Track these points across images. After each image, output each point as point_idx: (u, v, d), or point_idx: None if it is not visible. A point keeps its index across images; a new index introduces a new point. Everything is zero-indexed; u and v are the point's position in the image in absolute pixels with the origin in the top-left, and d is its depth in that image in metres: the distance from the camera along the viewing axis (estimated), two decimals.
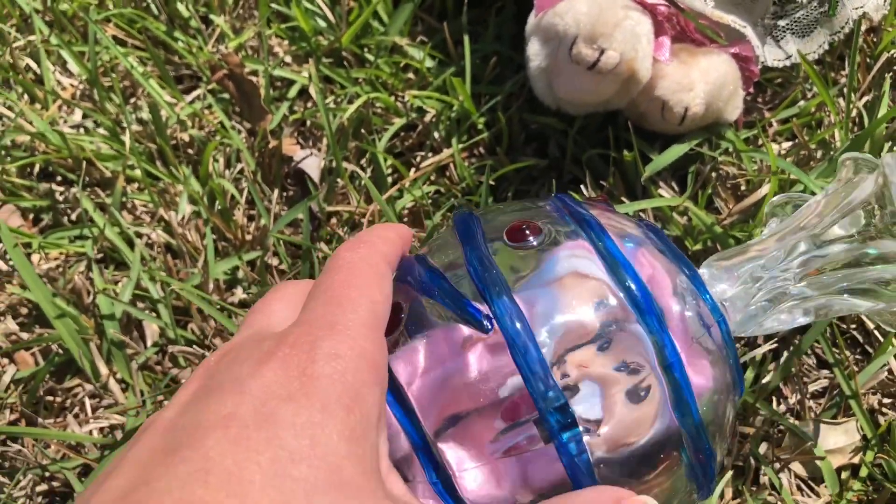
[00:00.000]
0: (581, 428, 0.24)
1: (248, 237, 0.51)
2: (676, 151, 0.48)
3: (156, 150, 0.55)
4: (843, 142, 0.48)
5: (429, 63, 0.56)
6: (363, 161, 0.54)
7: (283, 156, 0.53)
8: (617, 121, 0.51)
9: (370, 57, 0.57)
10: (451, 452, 0.25)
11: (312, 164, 0.52)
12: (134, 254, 0.50)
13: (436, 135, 0.53)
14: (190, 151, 0.56)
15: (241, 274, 0.50)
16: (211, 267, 0.49)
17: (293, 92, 0.57)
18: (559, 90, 0.46)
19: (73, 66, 0.60)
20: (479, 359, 0.25)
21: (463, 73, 0.53)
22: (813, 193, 0.46)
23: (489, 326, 0.25)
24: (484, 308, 0.25)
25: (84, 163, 0.54)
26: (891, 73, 0.52)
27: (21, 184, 0.55)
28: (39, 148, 0.57)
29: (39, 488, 0.45)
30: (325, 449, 0.20)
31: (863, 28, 0.54)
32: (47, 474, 0.45)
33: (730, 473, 0.41)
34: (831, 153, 0.48)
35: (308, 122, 0.56)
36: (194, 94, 0.59)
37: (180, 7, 0.61)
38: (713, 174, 0.49)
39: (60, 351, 0.48)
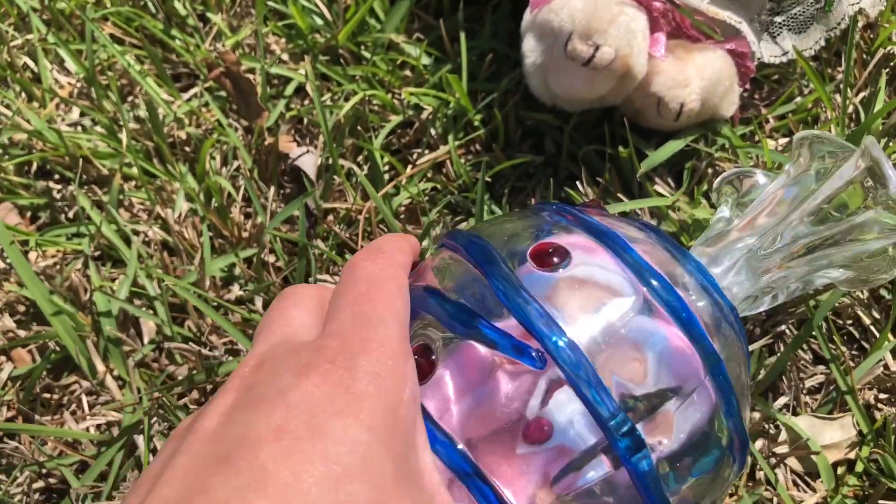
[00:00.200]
0: (648, 447, 0.24)
1: (245, 234, 0.51)
2: (672, 148, 0.48)
3: (153, 147, 0.55)
4: (840, 137, 0.48)
5: (425, 60, 0.56)
6: (360, 158, 0.54)
7: (280, 153, 0.53)
8: (613, 117, 0.51)
9: (367, 54, 0.57)
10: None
11: (309, 161, 0.52)
12: (131, 251, 0.50)
13: (432, 132, 0.53)
14: (187, 149, 0.56)
15: (237, 271, 0.50)
16: (207, 264, 0.49)
17: (290, 89, 0.57)
18: (555, 86, 0.46)
19: (70, 64, 0.60)
20: (503, 382, 0.25)
21: (459, 70, 0.53)
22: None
23: (542, 362, 0.24)
24: (532, 342, 0.25)
25: (81, 161, 0.54)
26: (887, 69, 0.52)
27: (18, 182, 0.55)
28: (37, 146, 0.57)
29: (36, 485, 0.45)
30: (375, 468, 0.21)
31: (859, 24, 0.54)
32: (44, 471, 0.45)
33: None
34: None
35: (305, 120, 0.56)
36: (191, 91, 0.59)
37: (177, 5, 0.61)
38: (709, 170, 0.49)
39: (57, 348, 0.49)
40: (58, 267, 0.52)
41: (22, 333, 0.50)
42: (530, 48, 0.47)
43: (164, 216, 0.51)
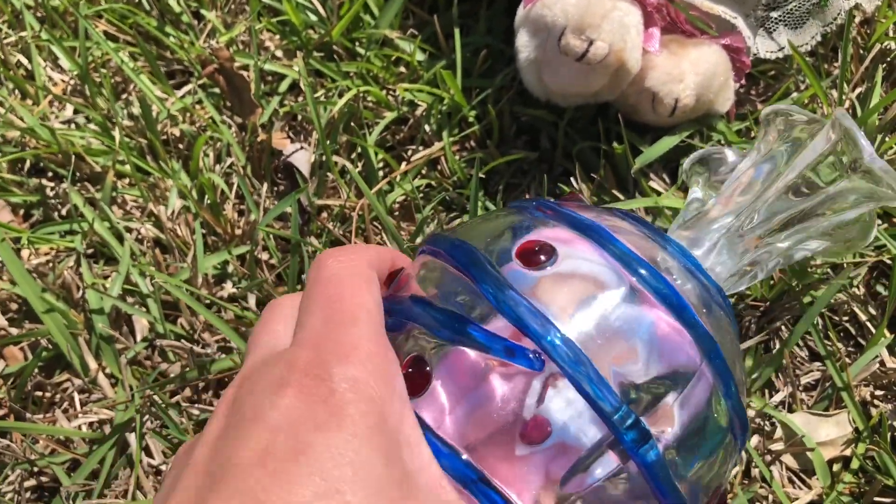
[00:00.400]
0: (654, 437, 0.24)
1: (238, 231, 0.51)
2: (667, 143, 0.48)
3: (146, 144, 0.55)
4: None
5: (420, 56, 0.56)
6: (354, 155, 0.53)
7: (273, 150, 0.53)
8: (608, 113, 0.51)
9: (361, 50, 0.57)
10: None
11: (302, 157, 0.52)
12: (123, 248, 0.50)
13: (426, 128, 0.53)
14: (180, 146, 0.56)
15: (230, 268, 0.50)
16: (200, 261, 0.49)
17: (284, 86, 0.57)
18: (549, 82, 0.46)
19: (64, 61, 0.60)
20: (498, 384, 0.25)
21: (454, 66, 0.53)
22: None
23: (540, 363, 0.24)
24: (527, 343, 0.24)
25: (74, 158, 0.54)
26: (883, 65, 0.52)
27: (11, 179, 0.55)
28: (30, 143, 0.57)
29: (28, 483, 0.45)
30: (366, 476, 0.20)
31: (855, 19, 0.53)
32: (35, 469, 0.45)
33: None
34: None
35: (299, 116, 0.56)
36: (185, 89, 0.58)
37: (171, 2, 0.61)
38: None
39: (49, 346, 0.48)
40: (50, 264, 0.51)
41: (14, 331, 0.49)
42: (524, 43, 0.47)
43: (157, 213, 0.51)
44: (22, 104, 0.57)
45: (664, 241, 0.29)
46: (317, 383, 0.22)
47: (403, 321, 0.26)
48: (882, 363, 0.43)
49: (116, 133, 0.54)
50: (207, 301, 0.48)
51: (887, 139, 0.48)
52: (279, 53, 0.59)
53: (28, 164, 0.57)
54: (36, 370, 0.48)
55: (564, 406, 0.24)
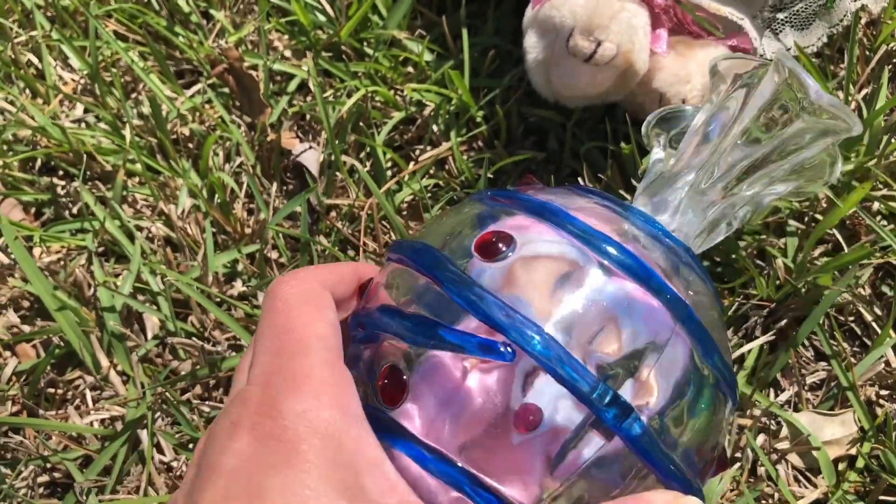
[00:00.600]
0: (636, 410, 0.24)
1: (248, 230, 0.51)
2: None
3: (156, 144, 0.55)
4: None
5: (427, 57, 0.56)
6: (362, 155, 0.54)
7: (283, 149, 0.53)
8: (615, 114, 0.51)
9: (369, 51, 0.57)
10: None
11: (311, 157, 0.52)
12: (134, 247, 0.50)
13: (434, 128, 0.53)
14: (190, 145, 0.56)
15: (240, 267, 0.50)
16: (210, 260, 0.49)
17: (293, 86, 0.57)
18: (557, 83, 0.46)
19: (74, 61, 0.61)
20: (482, 380, 0.25)
21: (462, 66, 0.53)
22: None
23: (511, 354, 0.24)
24: (497, 337, 0.24)
25: (85, 157, 0.54)
26: (889, 66, 0.52)
27: (23, 178, 0.55)
28: (41, 142, 0.57)
29: (41, 479, 0.45)
30: None
31: (862, 20, 0.54)
32: (48, 465, 0.46)
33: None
34: None
35: (308, 116, 0.56)
36: (195, 88, 0.59)
37: (181, 2, 0.62)
38: None
39: (61, 343, 0.49)
40: (62, 262, 0.52)
41: (26, 328, 0.50)
42: (532, 44, 0.47)
43: (167, 212, 0.51)
44: (32, 103, 0.58)
45: (626, 212, 0.29)
46: (268, 422, 0.22)
47: (376, 333, 0.26)
48: (887, 363, 0.43)
49: (127, 132, 0.54)
50: (218, 299, 0.49)
51: (893, 140, 0.48)
52: (287, 53, 0.59)
53: (39, 162, 0.57)
54: (48, 367, 0.48)
55: (550, 391, 0.24)
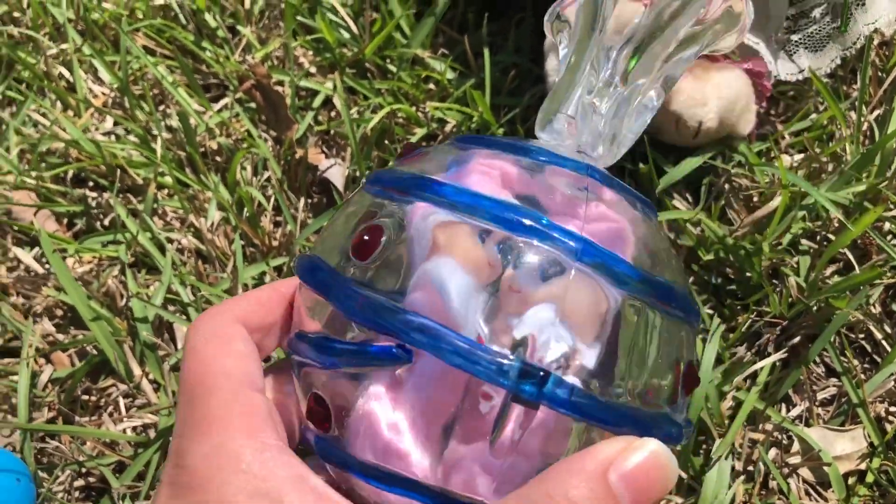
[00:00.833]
0: (556, 372, 0.22)
1: (275, 243, 0.53)
2: (690, 164, 0.49)
3: (185, 157, 0.57)
4: (854, 155, 0.50)
5: (449, 75, 0.58)
6: None
7: (309, 165, 0.55)
8: None
9: (392, 68, 0.59)
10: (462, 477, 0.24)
11: (336, 173, 0.54)
12: (165, 259, 0.52)
13: None
14: (217, 159, 0.58)
15: (268, 279, 0.52)
16: (240, 272, 0.51)
17: (317, 102, 0.58)
18: None
19: (104, 74, 0.62)
20: (419, 384, 0.24)
21: (483, 84, 0.55)
22: (824, 207, 0.47)
23: (407, 355, 0.23)
24: (390, 341, 0.23)
25: (118, 171, 0.56)
26: None
27: (56, 189, 0.57)
28: (72, 155, 0.59)
29: (77, 483, 0.47)
30: None
31: (875, 42, 0.55)
32: (84, 470, 0.47)
33: (741, 478, 0.42)
34: (842, 166, 0.50)
35: (332, 132, 0.58)
36: (222, 102, 0.60)
37: (208, 17, 0.63)
38: (726, 186, 0.51)
39: (94, 352, 0.50)
40: (94, 273, 0.53)
41: (60, 337, 0.52)
42: (553, 67, 0.48)
43: (197, 225, 0.53)
44: (64, 116, 0.59)
45: (513, 149, 0.27)
46: (179, 472, 0.23)
47: (299, 360, 0.26)
48: None
49: (158, 146, 0.56)
50: None
51: None
52: (312, 70, 0.61)
53: (70, 174, 0.59)
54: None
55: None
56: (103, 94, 0.63)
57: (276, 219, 0.55)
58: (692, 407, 0.42)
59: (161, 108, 0.61)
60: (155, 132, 0.58)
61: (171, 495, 0.23)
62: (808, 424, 0.45)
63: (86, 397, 0.50)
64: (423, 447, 0.24)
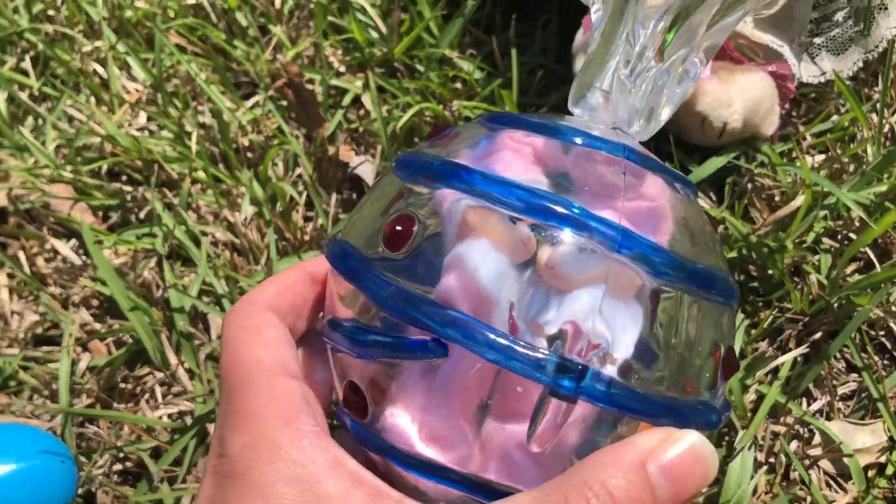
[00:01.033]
0: (593, 365, 0.22)
1: (306, 238, 0.54)
2: (715, 164, 0.51)
3: (218, 153, 0.58)
4: (876, 157, 0.51)
5: (477, 75, 0.59)
6: None
7: (339, 161, 0.56)
8: (659, 134, 0.53)
9: (420, 68, 0.60)
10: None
11: (367, 170, 0.55)
12: (200, 251, 0.53)
13: None
14: (249, 155, 0.59)
15: None
16: (274, 265, 0.52)
17: (347, 100, 0.60)
18: None
19: (137, 71, 0.64)
20: (453, 371, 0.24)
21: (510, 84, 0.56)
22: (846, 207, 0.48)
23: (442, 349, 0.23)
24: (424, 333, 0.23)
25: (156, 166, 0.57)
26: None
27: (92, 183, 0.58)
28: (107, 149, 0.60)
29: (115, 467, 0.49)
30: None
31: None
32: (122, 455, 0.49)
33: (763, 469, 0.44)
34: (863, 167, 0.51)
35: (360, 129, 0.59)
36: (253, 100, 0.62)
37: (239, 16, 0.65)
38: (749, 186, 0.52)
39: (131, 340, 0.52)
40: (129, 265, 0.55)
41: (97, 326, 0.53)
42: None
43: (231, 219, 0.54)
44: (100, 111, 0.61)
45: (556, 132, 0.26)
46: (221, 461, 0.24)
47: (332, 346, 0.26)
48: None
49: (193, 142, 0.57)
50: None
51: None
52: (342, 69, 0.62)
53: (104, 168, 0.60)
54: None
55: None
56: (136, 90, 0.64)
57: (307, 214, 0.56)
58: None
59: (191, 104, 0.63)
60: (188, 128, 0.59)
61: (215, 484, 0.24)
62: (828, 418, 0.46)
63: (123, 385, 0.51)
64: (459, 435, 0.24)
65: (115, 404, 0.50)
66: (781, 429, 0.45)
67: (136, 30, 0.66)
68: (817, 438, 0.45)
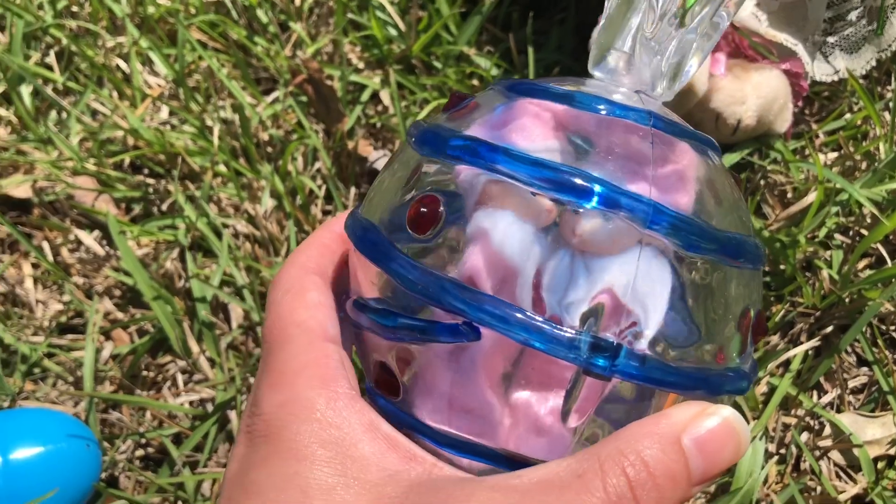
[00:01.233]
0: (625, 342, 0.22)
1: None
2: (728, 161, 0.51)
3: (239, 147, 0.60)
4: (888, 154, 0.51)
5: (494, 71, 0.60)
6: None
7: (358, 156, 0.57)
8: None
9: (437, 64, 0.61)
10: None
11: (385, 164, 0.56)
12: (221, 243, 0.54)
13: None
14: (269, 150, 0.60)
15: None
16: None
17: (365, 96, 0.61)
18: None
19: (159, 66, 0.65)
20: (482, 347, 0.24)
21: None
22: (857, 203, 0.49)
23: (474, 332, 0.23)
24: (456, 319, 0.23)
25: (179, 159, 0.58)
26: None
27: (115, 176, 0.60)
28: (130, 143, 0.62)
29: (138, 452, 0.50)
30: (317, 488, 0.22)
31: None
32: (144, 440, 0.50)
33: (773, 459, 0.44)
34: (876, 164, 0.51)
35: (379, 125, 0.60)
36: (273, 95, 0.63)
37: (259, 13, 0.66)
38: (762, 182, 0.53)
39: (153, 329, 0.53)
40: (152, 255, 0.56)
41: (120, 315, 0.54)
42: None
43: (252, 212, 0.55)
44: (123, 105, 0.62)
45: (578, 102, 0.24)
46: (255, 421, 0.24)
47: (358, 325, 0.26)
48: None
49: (215, 136, 0.59)
50: None
51: None
52: (360, 65, 0.63)
53: (127, 161, 0.62)
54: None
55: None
56: (158, 85, 0.65)
57: (326, 207, 0.57)
58: None
59: (212, 99, 0.64)
60: (210, 123, 0.61)
61: (248, 443, 0.24)
62: (839, 410, 0.47)
63: (145, 373, 0.52)
64: (489, 410, 0.24)
65: (137, 391, 0.51)
66: (792, 420, 0.46)
67: (158, 26, 0.67)
68: (828, 430, 0.46)
